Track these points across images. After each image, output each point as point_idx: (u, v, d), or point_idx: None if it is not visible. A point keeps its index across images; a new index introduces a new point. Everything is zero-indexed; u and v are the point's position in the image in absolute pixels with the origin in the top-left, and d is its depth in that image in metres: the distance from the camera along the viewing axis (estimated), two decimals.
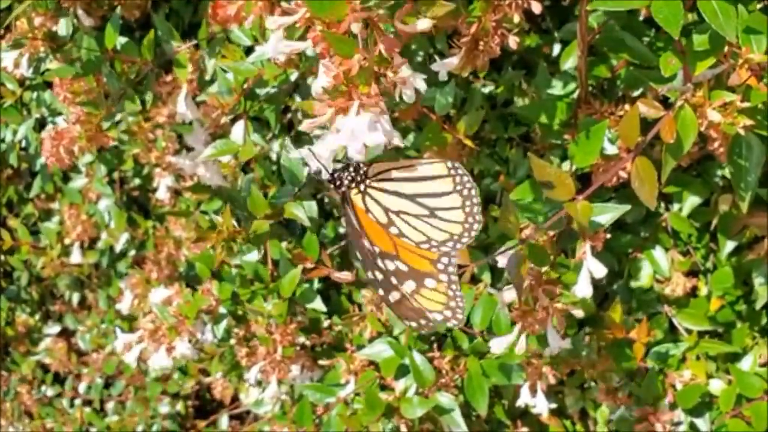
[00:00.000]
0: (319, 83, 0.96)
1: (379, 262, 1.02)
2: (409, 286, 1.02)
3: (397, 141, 0.94)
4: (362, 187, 1.02)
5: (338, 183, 1.03)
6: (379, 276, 1.02)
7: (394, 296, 1.02)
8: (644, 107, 1.06)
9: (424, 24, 0.92)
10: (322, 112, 0.91)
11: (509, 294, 1.24)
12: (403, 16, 0.94)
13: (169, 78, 1.68)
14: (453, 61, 1.10)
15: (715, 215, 1.60)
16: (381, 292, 1.03)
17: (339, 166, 1.03)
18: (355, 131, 0.87)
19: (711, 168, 1.57)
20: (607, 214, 1.17)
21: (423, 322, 1.02)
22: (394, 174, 1.03)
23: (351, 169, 1.03)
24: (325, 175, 1.03)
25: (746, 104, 1.04)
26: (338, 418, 1.53)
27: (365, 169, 1.03)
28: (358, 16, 0.87)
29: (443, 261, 1.03)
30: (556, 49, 1.66)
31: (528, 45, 1.64)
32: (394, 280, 1.02)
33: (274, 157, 1.83)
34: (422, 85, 0.94)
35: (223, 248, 1.44)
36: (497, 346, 1.34)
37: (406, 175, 1.03)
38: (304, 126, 0.92)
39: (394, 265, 1.02)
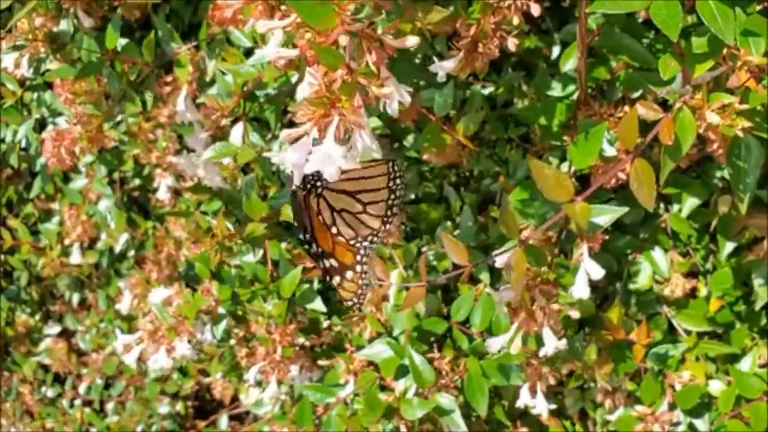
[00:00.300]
0: (302, 93, 0.97)
1: (320, 262, 1.20)
2: (336, 280, 1.21)
3: (377, 153, 0.96)
4: (320, 190, 1.15)
5: (303, 186, 1.15)
6: (327, 264, 1.20)
7: (336, 280, 1.21)
8: (643, 109, 1.06)
9: (412, 41, 0.93)
10: (302, 122, 0.92)
11: (507, 293, 1.24)
12: (393, 30, 0.94)
13: (169, 78, 1.68)
14: (452, 64, 1.10)
15: (715, 216, 1.60)
16: (328, 278, 1.21)
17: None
18: (331, 157, 0.89)
19: (710, 169, 1.57)
20: (606, 215, 1.17)
21: (355, 299, 1.22)
22: (347, 174, 1.08)
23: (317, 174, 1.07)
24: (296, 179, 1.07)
25: (745, 106, 1.04)
26: (338, 419, 1.53)
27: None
28: (347, 29, 0.88)
29: (361, 252, 1.19)
30: (556, 50, 1.65)
31: (528, 46, 1.64)
32: (328, 277, 1.21)
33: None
34: (407, 98, 0.97)
35: (218, 251, 1.45)
36: (494, 345, 1.34)
37: (355, 176, 1.15)
38: (282, 137, 0.93)
39: (329, 263, 1.20)
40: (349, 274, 1.20)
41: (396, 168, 1.17)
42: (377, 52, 0.91)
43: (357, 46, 0.90)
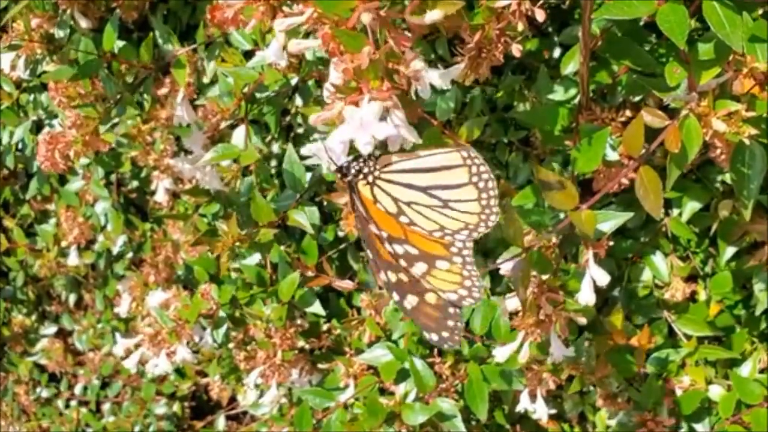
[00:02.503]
0: (330, 80, 0.94)
1: (387, 245, 0.98)
2: (419, 268, 0.97)
3: (412, 137, 0.92)
4: (370, 178, 0.99)
5: (344, 173, 1.00)
6: (392, 278, 0.98)
7: (410, 301, 0.98)
8: (649, 116, 1.06)
9: (434, 15, 0.89)
10: (332, 107, 0.89)
11: (512, 302, 1.24)
12: (413, 10, 0.92)
13: (167, 80, 1.66)
14: (457, 69, 1.09)
15: (715, 220, 1.59)
16: (396, 296, 0.98)
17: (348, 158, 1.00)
18: (364, 121, 0.84)
19: (711, 173, 1.56)
20: (610, 221, 1.16)
21: (445, 334, 0.98)
22: (405, 165, 0.99)
23: (360, 160, 1.00)
24: (333, 166, 1.00)
25: (751, 113, 1.03)
26: (338, 424, 1.52)
27: (374, 161, 1.00)
28: (368, 7, 0.86)
29: (457, 245, 0.98)
30: (556, 52, 1.65)
31: (528, 49, 1.63)
32: (403, 262, 0.97)
33: (273, 159, 1.82)
34: (437, 80, 0.92)
35: (229, 257, 1.42)
36: (501, 354, 1.33)
37: (419, 166, 1.00)
38: (312, 119, 0.90)
39: (403, 249, 0.98)
40: (442, 263, 0.96)
41: (476, 161, 0.99)
42: (399, 35, 0.89)
43: (379, 31, 0.88)
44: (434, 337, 0.98)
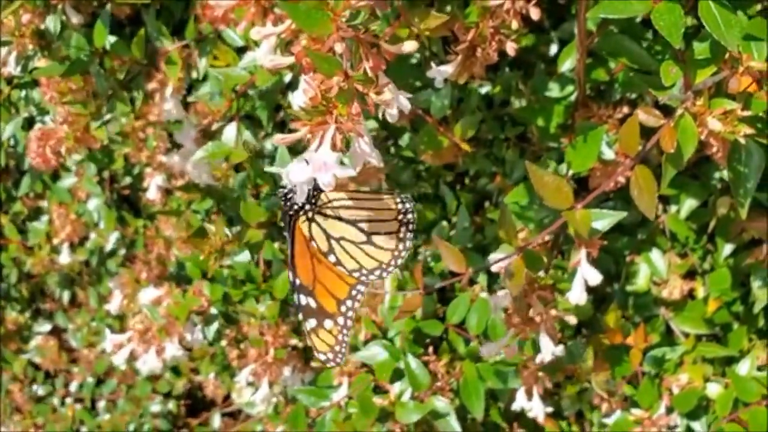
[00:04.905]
0: (297, 100, 0.95)
1: (295, 295, 1.06)
2: (310, 323, 1.06)
3: (377, 162, 0.93)
4: (310, 214, 1.05)
5: (288, 205, 1.05)
6: (303, 302, 1.06)
7: (311, 323, 1.06)
8: (644, 115, 1.04)
9: (410, 46, 0.89)
10: (297, 129, 0.89)
11: (502, 299, 1.23)
12: (390, 35, 0.92)
13: (159, 76, 1.65)
14: (450, 69, 1.08)
15: (713, 217, 1.58)
16: (300, 316, 1.07)
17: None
18: (326, 164, 0.85)
19: (709, 170, 1.55)
20: (605, 219, 1.14)
21: (330, 356, 1.07)
22: (346, 203, 1.05)
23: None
24: (300, 197, 1.02)
25: (747, 113, 1.02)
26: (332, 423, 1.51)
27: (317, 196, 1.04)
28: (343, 36, 0.85)
29: (347, 304, 1.06)
30: (554, 48, 1.63)
31: (524, 45, 1.61)
32: (300, 316, 1.07)
33: (267, 156, 1.81)
34: (406, 105, 0.94)
35: (216, 259, 1.41)
36: (487, 351, 1.33)
37: (356, 204, 1.05)
38: (276, 140, 0.90)
39: (306, 301, 1.06)
40: (328, 323, 1.05)
41: (406, 204, 1.06)
42: (375, 58, 0.88)
43: (354, 52, 0.88)
44: (321, 356, 1.07)
